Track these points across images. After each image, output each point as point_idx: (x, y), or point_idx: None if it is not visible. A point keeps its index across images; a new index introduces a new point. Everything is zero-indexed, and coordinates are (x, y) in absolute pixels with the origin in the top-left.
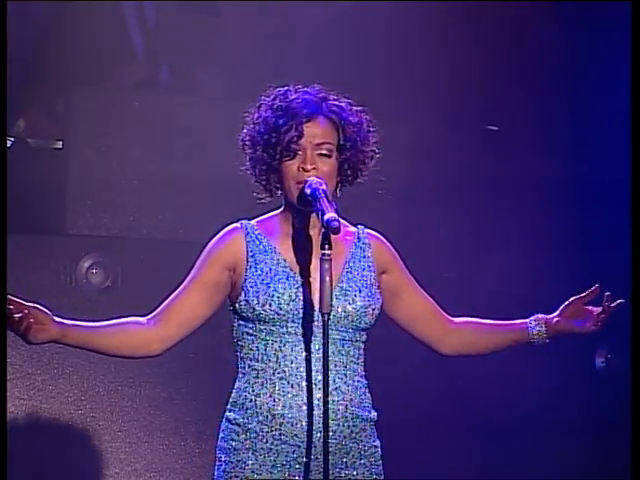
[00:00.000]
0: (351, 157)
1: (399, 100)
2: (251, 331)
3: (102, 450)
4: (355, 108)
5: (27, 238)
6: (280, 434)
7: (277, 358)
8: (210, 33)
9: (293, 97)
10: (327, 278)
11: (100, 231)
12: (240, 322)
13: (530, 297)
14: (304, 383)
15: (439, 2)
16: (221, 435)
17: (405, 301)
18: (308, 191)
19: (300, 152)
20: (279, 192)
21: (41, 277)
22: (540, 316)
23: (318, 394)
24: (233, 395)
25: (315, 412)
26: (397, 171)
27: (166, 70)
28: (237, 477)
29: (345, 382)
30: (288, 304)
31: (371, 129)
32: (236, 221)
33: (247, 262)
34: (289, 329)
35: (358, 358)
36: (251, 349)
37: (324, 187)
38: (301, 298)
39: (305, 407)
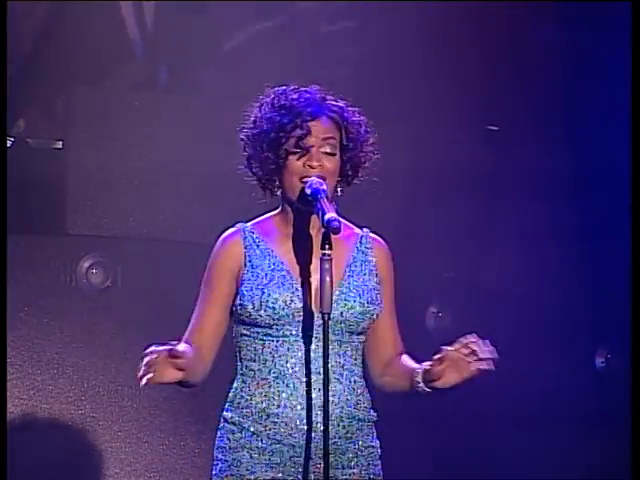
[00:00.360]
0: (353, 157)
1: (399, 100)
2: (248, 333)
3: (102, 450)
4: (352, 109)
5: (27, 238)
6: (275, 434)
7: (273, 358)
8: (210, 33)
9: (294, 96)
10: (327, 278)
11: (100, 231)
12: (238, 324)
13: (530, 297)
14: (299, 383)
15: (439, 2)
16: (218, 434)
17: (378, 321)
18: (308, 191)
19: (306, 150)
20: (278, 191)
21: (41, 277)
22: (422, 365)
23: (313, 394)
24: (230, 394)
25: (310, 412)
26: (397, 171)
27: (165, 70)
28: (233, 476)
29: (341, 383)
30: (283, 309)
31: (369, 130)
32: (232, 225)
33: (245, 266)
34: (285, 331)
35: (355, 359)
36: (249, 350)
37: (324, 187)
38: (297, 301)
39: (300, 407)
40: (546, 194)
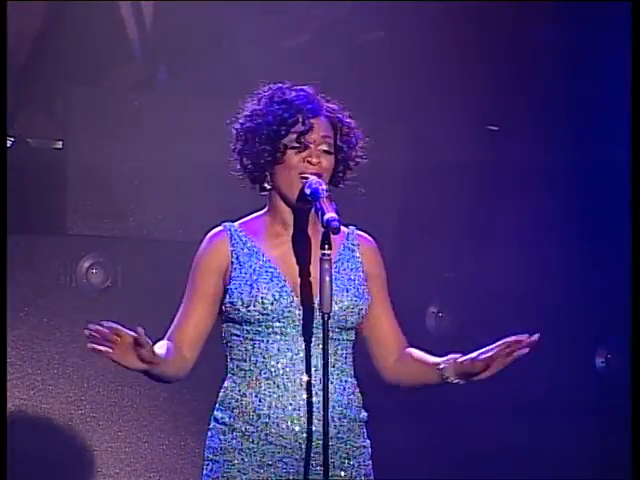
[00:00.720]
0: (346, 157)
1: (399, 100)
2: (238, 332)
3: (102, 450)
4: (345, 112)
5: (27, 238)
6: (266, 434)
7: (263, 358)
8: (209, 33)
9: (293, 93)
10: (327, 278)
11: (100, 231)
12: (228, 323)
13: (530, 297)
14: (290, 383)
15: (438, 2)
16: (209, 434)
17: (374, 317)
18: (308, 191)
19: (306, 146)
20: (269, 186)
21: (41, 277)
22: (452, 356)
23: (304, 394)
24: (221, 394)
25: (301, 412)
26: (397, 171)
27: (164, 70)
28: (224, 477)
29: (331, 382)
30: (272, 304)
31: (360, 134)
32: (219, 224)
33: (232, 264)
34: (275, 329)
35: (346, 358)
36: (239, 350)
37: (324, 187)
38: (286, 296)
39: (291, 407)
40: (546, 194)
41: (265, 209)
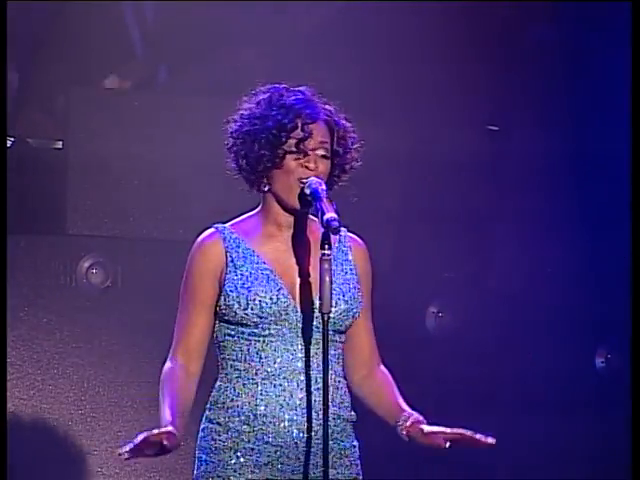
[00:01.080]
0: (342, 162)
1: (399, 100)
2: (233, 333)
3: (102, 450)
4: (340, 114)
5: (27, 238)
6: (262, 434)
7: (260, 358)
8: (209, 33)
9: (291, 96)
10: (327, 278)
11: (100, 231)
12: (222, 324)
13: (530, 296)
14: (287, 383)
15: (439, 2)
16: (201, 434)
17: (355, 324)
18: (308, 191)
19: (306, 153)
20: (266, 188)
21: (41, 277)
22: (414, 416)
23: (301, 394)
24: (213, 394)
25: (298, 412)
26: (397, 171)
27: (165, 70)
28: (219, 477)
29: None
30: (270, 307)
31: (355, 136)
32: (209, 227)
33: (227, 266)
34: (271, 331)
35: (338, 358)
36: (234, 350)
37: (324, 187)
38: (283, 299)
39: (287, 407)
40: (546, 194)
41: (257, 210)
